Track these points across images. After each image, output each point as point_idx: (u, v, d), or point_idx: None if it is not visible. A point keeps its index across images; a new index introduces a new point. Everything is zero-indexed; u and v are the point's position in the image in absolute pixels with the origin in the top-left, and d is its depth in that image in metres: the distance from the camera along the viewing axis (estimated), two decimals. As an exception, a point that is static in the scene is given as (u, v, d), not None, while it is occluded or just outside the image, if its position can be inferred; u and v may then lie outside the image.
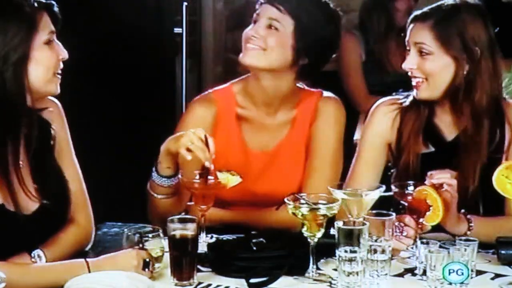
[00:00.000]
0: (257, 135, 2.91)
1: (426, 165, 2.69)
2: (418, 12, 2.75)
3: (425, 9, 2.75)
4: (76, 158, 2.60)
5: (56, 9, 2.44)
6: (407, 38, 2.75)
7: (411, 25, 2.74)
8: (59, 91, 2.45)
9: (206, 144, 2.60)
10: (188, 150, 2.59)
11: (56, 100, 2.55)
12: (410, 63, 2.72)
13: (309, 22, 2.81)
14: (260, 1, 2.86)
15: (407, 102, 2.80)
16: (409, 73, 2.73)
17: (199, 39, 4.99)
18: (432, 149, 2.77)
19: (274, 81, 2.84)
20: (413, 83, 2.74)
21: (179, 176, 2.69)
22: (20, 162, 2.42)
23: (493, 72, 2.69)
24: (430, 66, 2.69)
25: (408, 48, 2.74)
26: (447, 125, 2.77)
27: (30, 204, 2.42)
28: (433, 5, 2.75)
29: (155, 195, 2.75)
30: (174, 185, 2.73)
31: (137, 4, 4.05)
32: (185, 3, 4.23)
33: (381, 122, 2.82)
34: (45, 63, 2.38)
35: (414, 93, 2.76)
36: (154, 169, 2.72)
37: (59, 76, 2.44)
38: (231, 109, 2.90)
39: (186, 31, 4.47)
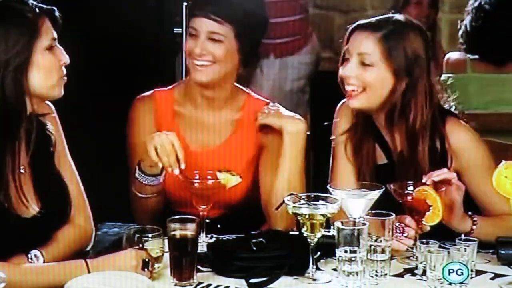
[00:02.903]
0: (197, 134, 2.87)
1: (382, 176, 2.68)
2: (363, 21, 2.72)
3: (372, 19, 2.72)
4: (71, 159, 2.60)
5: (57, 14, 2.43)
6: (347, 46, 2.72)
7: (354, 34, 2.71)
8: (62, 94, 2.45)
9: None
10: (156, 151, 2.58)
11: (49, 103, 2.55)
12: (349, 71, 2.69)
13: (249, 22, 2.81)
14: (193, 13, 2.82)
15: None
16: (344, 81, 2.71)
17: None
18: (386, 160, 2.78)
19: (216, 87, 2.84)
20: (347, 91, 2.71)
21: (163, 175, 2.69)
22: (22, 168, 2.41)
23: (429, 93, 2.68)
24: (370, 77, 2.66)
25: (347, 56, 2.71)
26: (389, 141, 2.77)
27: (30, 208, 2.42)
28: (380, 17, 2.74)
29: (140, 194, 2.74)
30: (160, 184, 2.72)
31: (137, 4, 4.05)
32: (185, 3, 4.23)
33: (345, 120, 2.82)
34: (47, 68, 2.38)
35: (347, 102, 2.75)
36: (137, 168, 2.71)
37: (64, 80, 2.44)
38: (169, 107, 2.88)
39: (186, 31, 4.46)
